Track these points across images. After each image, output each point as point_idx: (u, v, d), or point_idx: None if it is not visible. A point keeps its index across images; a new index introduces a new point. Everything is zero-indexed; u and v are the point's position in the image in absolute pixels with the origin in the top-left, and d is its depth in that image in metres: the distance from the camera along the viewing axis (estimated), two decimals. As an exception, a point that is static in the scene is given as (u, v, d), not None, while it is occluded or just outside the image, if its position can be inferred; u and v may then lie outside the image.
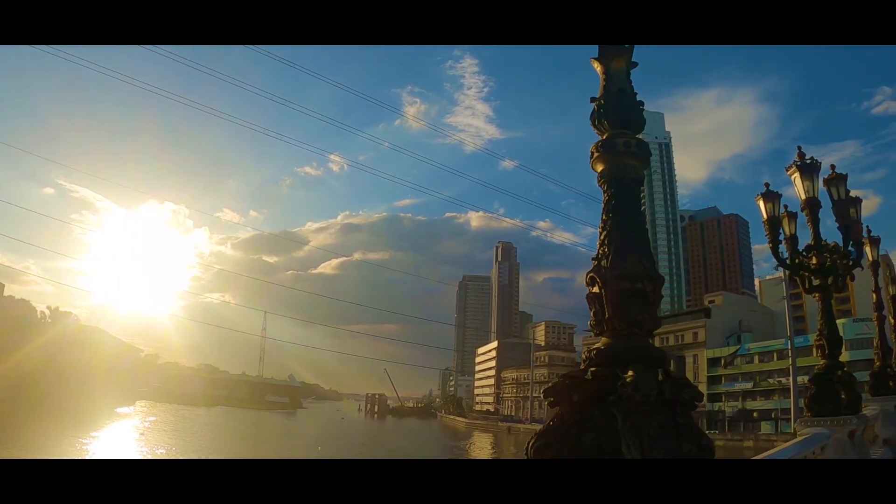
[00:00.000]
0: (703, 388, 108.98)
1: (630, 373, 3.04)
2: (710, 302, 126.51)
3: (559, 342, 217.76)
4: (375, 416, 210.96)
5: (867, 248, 13.48)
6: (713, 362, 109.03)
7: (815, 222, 8.48)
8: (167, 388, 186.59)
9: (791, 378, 79.25)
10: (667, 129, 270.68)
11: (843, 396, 9.17)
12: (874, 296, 14.07)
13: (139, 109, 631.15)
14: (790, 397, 78.27)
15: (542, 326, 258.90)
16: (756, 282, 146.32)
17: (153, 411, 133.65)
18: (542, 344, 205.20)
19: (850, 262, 8.25)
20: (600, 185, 3.75)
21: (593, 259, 3.57)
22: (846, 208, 8.80)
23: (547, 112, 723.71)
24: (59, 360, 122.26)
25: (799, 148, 7.86)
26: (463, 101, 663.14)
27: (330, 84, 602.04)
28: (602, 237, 3.56)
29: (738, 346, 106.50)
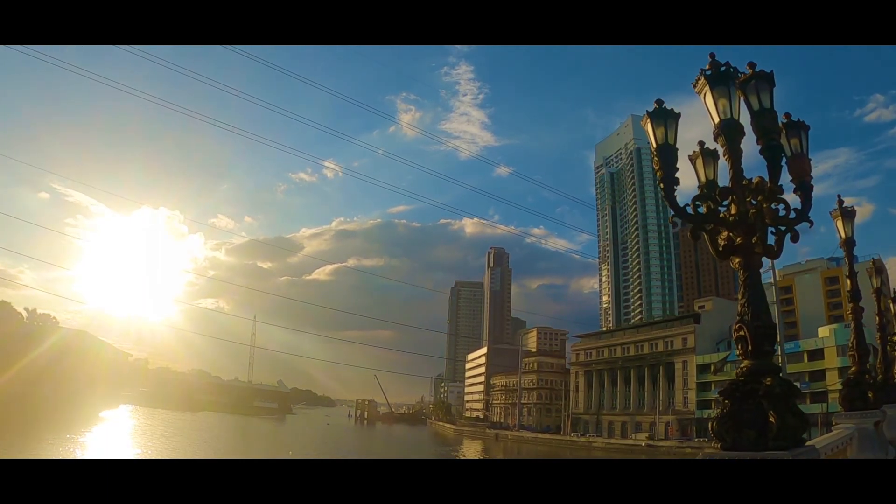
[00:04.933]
0: (692, 394, 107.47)
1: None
2: (700, 307, 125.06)
3: (551, 348, 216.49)
4: (365, 422, 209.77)
5: (838, 223, 11.96)
6: (702, 368, 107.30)
7: (733, 155, 5.64)
8: (155, 393, 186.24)
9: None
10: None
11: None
12: (849, 282, 12.43)
13: (133, 115, 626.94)
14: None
15: (534, 333, 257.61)
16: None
17: (135, 416, 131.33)
18: (534, 350, 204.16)
19: (788, 211, 5.64)
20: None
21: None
22: (769, 123, 5.62)
23: (542, 119, 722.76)
24: (40, 364, 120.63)
25: (712, 56, 5.37)
26: (458, 108, 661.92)
27: (325, 91, 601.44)
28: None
29: (727, 352, 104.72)
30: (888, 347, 19.69)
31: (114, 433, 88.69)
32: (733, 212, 5.47)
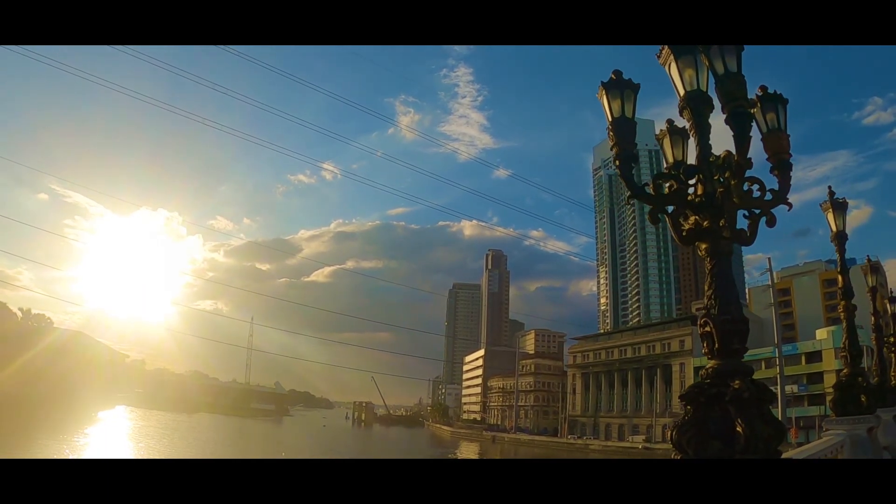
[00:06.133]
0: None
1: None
2: (698, 309, 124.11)
3: (549, 351, 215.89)
4: (362, 424, 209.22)
5: (829, 216, 11.40)
6: (700, 371, 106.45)
7: (700, 130, 5.01)
8: (152, 394, 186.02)
9: (779, 387, 77.49)
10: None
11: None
12: (840, 279, 11.83)
13: (131, 117, 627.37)
14: (778, 407, 76.46)
15: (532, 335, 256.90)
16: (746, 290, 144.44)
17: (129, 417, 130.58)
18: (532, 352, 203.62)
19: (763, 192, 4.97)
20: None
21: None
22: (734, 88, 4.88)
23: (541, 121, 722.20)
24: (36, 364, 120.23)
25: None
26: (457, 110, 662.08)
27: (323, 93, 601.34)
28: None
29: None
30: (884, 348, 19.16)
31: (106, 434, 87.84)
32: (700, 192, 4.83)
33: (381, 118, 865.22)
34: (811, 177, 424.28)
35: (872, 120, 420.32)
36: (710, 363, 4.60)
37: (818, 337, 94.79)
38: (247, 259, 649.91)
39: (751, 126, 5.01)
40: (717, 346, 4.57)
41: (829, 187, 11.71)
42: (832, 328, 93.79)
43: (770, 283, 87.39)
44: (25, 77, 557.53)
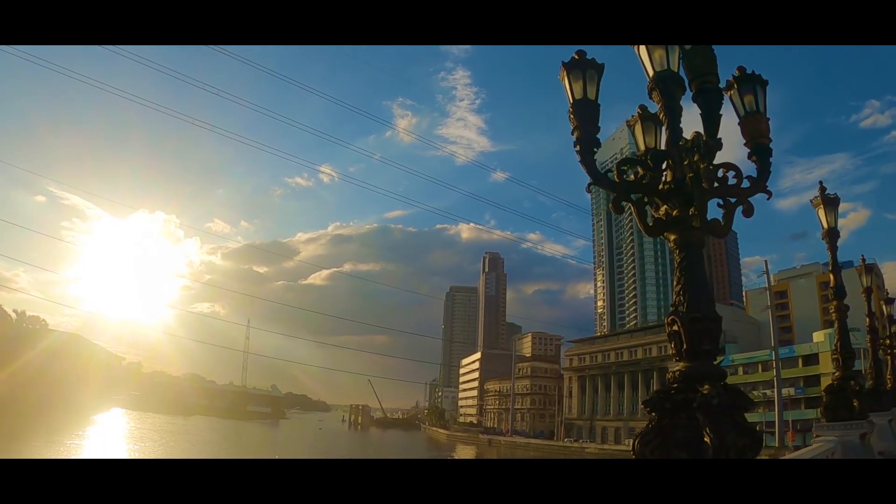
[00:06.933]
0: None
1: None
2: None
3: (546, 353, 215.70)
4: (359, 427, 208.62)
5: (820, 212, 10.99)
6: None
7: (670, 113, 4.57)
8: (148, 397, 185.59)
9: (776, 390, 77.17)
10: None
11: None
12: (832, 277, 11.43)
13: (129, 120, 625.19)
14: (775, 410, 76.13)
15: (529, 338, 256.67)
16: (744, 293, 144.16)
17: (123, 420, 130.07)
18: (529, 355, 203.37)
19: (740, 179, 4.54)
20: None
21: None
22: (702, 62, 4.58)
23: (538, 124, 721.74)
24: (31, 366, 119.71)
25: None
26: (455, 113, 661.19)
27: (321, 96, 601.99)
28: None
29: (721, 357, 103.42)
30: (880, 351, 18.77)
31: (98, 437, 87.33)
32: (669, 179, 4.41)
33: (379, 121, 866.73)
34: (808, 180, 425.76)
35: (870, 123, 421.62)
36: (679, 365, 4.17)
37: (815, 339, 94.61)
38: (244, 262, 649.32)
39: (721, 103, 4.62)
40: (685, 346, 4.14)
41: (821, 182, 11.39)
42: (829, 331, 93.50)
43: (767, 285, 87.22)
44: (23, 79, 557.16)
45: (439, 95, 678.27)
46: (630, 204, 4.57)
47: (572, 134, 4.69)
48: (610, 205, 4.58)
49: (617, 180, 4.62)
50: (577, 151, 4.62)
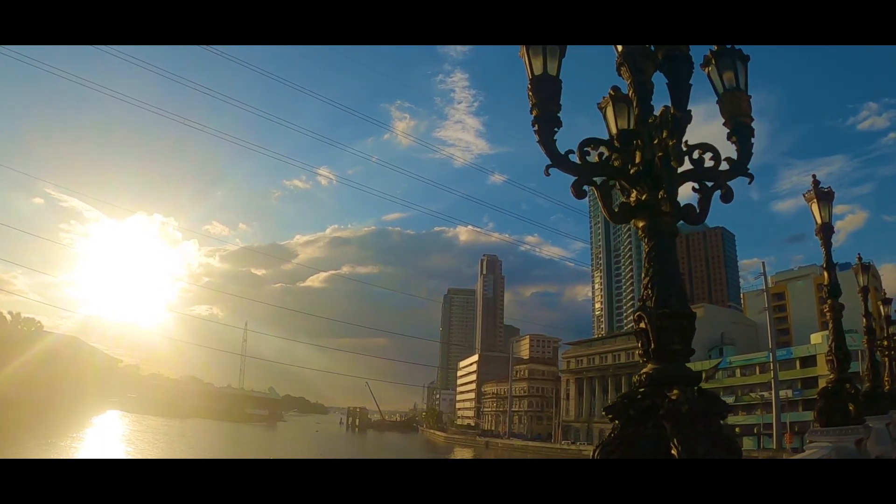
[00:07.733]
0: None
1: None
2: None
3: (544, 356, 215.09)
4: (356, 429, 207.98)
5: (813, 206, 10.58)
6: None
7: (639, 89, 4.19)
8: (144, 399, 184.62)
9: (773, 392, 76.89)
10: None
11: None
12: (825, 275, 11.09)
13: (127, 122, 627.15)
14: (773, 412, 75.83)
15: (527, 340, 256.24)
16: (741, 295, 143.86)
17: (119, 422, 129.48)
18: (527, 357, 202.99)
19: (718, 161, 4.14)
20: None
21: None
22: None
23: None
24: (27, 368, 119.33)
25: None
26: (453, 116, 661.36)
27: (319, 99, 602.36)
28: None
29: (719, 360, 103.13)
30: (877, 352, 18.37)
31: (92, 440, 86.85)
32: (638, 161, 3.99)
33: (377, 123, 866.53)
34: (806, 182, 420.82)
35: (867, 125, 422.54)
36: (647, 367, 3.73)
37: (813, 341, 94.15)
38: (242, 264, 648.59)
39: (691, 72, 4.19)
40: (652, 346, 3.71)
41: (814, 176, 11.00)
42: (827, 332, 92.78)
43: (765, 287, 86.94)
44: (21, 82, 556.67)
45: (437, 98, 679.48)
46: (594, 188, 4.14)
47: (531, 112, 4.24)
48: (571, 188, 4.08)
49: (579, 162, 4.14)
50: (534, 131, 4.17)
